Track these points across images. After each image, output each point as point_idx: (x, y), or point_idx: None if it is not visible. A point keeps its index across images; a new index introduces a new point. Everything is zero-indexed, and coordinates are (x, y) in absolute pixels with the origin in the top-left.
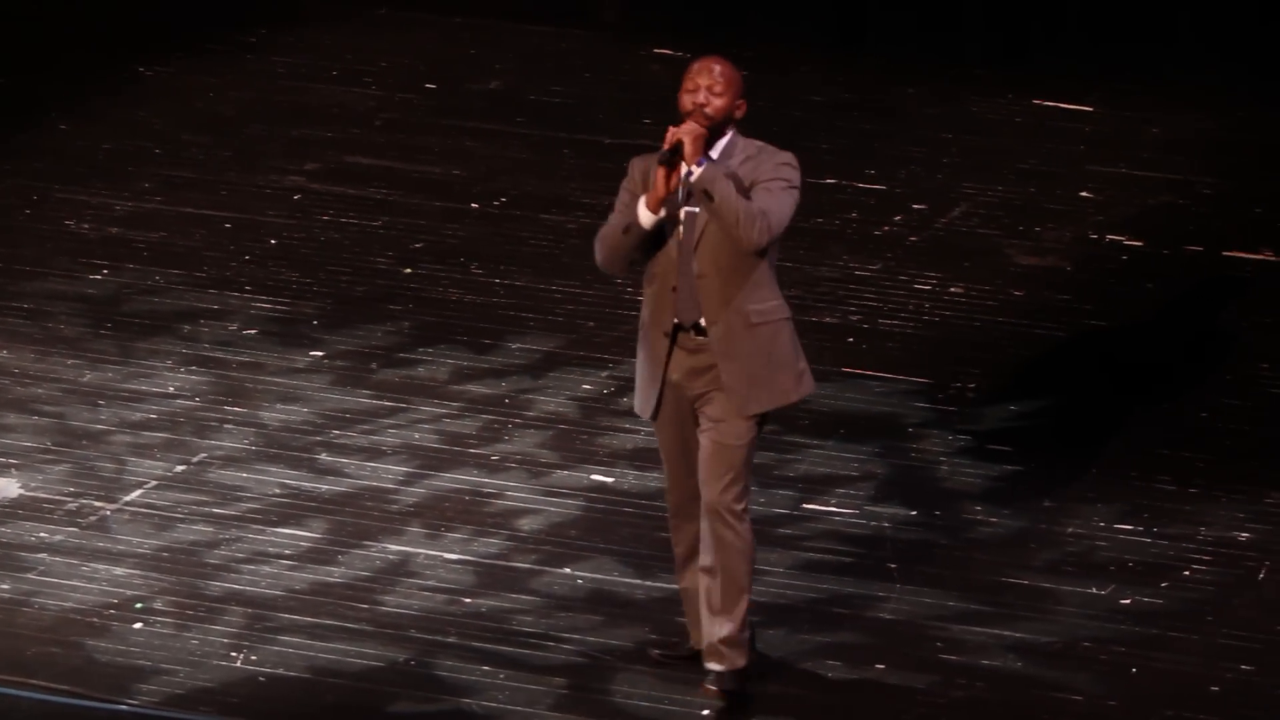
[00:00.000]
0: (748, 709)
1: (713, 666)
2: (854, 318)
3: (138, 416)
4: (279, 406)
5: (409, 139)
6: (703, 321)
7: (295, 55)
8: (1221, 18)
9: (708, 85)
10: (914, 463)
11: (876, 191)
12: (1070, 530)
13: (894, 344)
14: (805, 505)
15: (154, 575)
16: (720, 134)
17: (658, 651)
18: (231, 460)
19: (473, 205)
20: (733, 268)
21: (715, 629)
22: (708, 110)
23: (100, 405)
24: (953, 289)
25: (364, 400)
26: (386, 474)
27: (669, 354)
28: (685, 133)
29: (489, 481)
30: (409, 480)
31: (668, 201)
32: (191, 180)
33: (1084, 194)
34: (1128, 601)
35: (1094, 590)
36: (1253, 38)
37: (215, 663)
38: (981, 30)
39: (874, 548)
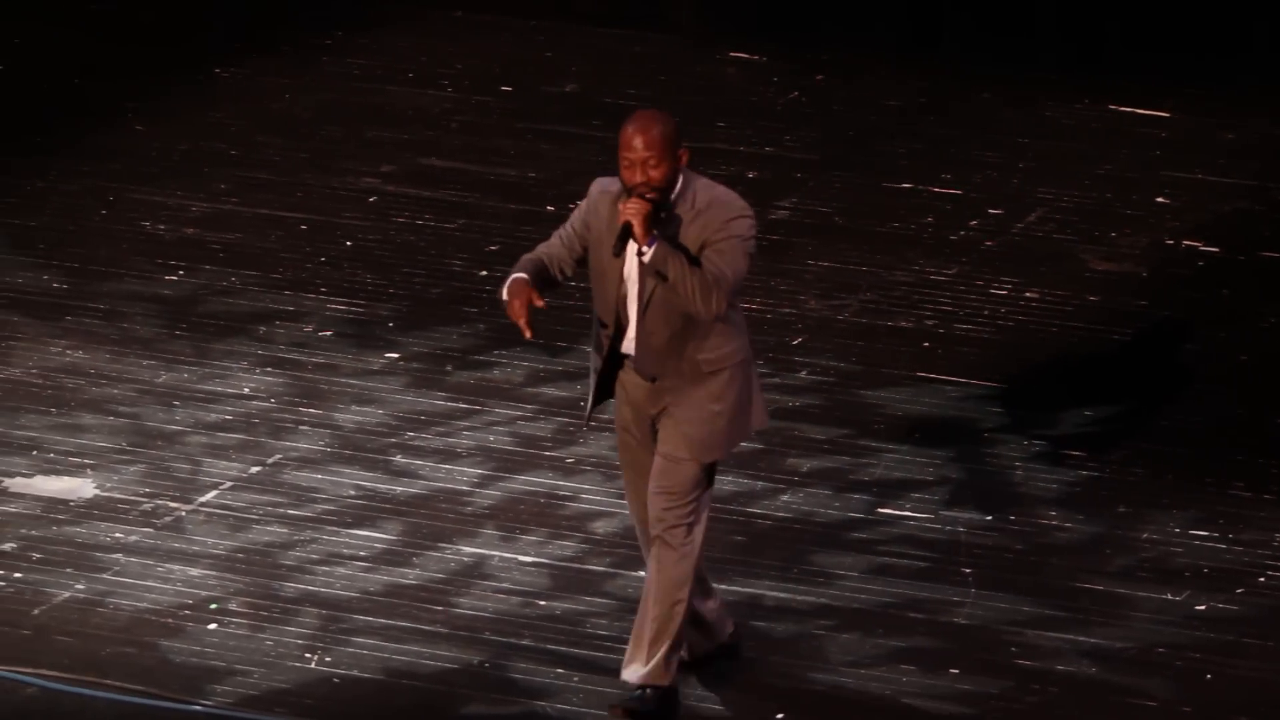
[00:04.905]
0: (822, 714)
1: (632, 681)
2: (929, 322)
3: (213, 417)
4: (354, 408)
5: (484, 141)
6: (652, 374)
7: (371, 57)
8: None
9: (642, 160)
10: (989, 467)
11: (952, 196)
12: (1145, 536)
13: (969, 349)
14: (880, 509)
15: (229, 576)
16: (671, 190)
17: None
18: (306, 461)
19: (548, 208)
20: (683, 324)
21: (640, 651)
22: (652, 183)
23: (175, 406)
24: (1028, 294)
25: (439, 402)
26: (461, 476)
27: (612, 374)
28: (631, 215)
29: (564, 484)
30: (483, 482)
31: (605, 256)
32: (267, 182)
33: (1159, 199)
34: (1203, 608)
35: (1169, 596)
36: None
37: (289, 664)
38: (1057, 35)
39: (948, 552)
